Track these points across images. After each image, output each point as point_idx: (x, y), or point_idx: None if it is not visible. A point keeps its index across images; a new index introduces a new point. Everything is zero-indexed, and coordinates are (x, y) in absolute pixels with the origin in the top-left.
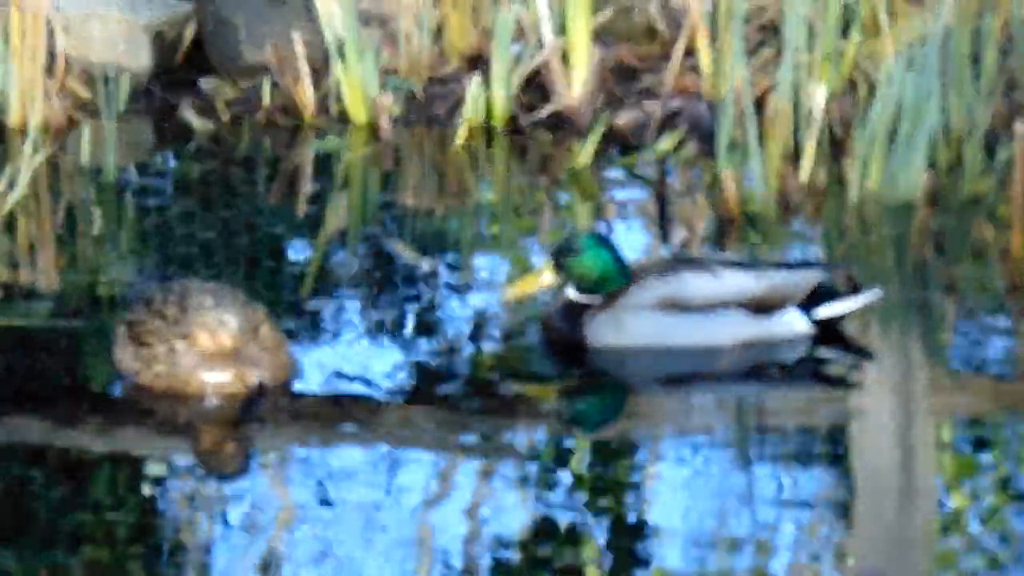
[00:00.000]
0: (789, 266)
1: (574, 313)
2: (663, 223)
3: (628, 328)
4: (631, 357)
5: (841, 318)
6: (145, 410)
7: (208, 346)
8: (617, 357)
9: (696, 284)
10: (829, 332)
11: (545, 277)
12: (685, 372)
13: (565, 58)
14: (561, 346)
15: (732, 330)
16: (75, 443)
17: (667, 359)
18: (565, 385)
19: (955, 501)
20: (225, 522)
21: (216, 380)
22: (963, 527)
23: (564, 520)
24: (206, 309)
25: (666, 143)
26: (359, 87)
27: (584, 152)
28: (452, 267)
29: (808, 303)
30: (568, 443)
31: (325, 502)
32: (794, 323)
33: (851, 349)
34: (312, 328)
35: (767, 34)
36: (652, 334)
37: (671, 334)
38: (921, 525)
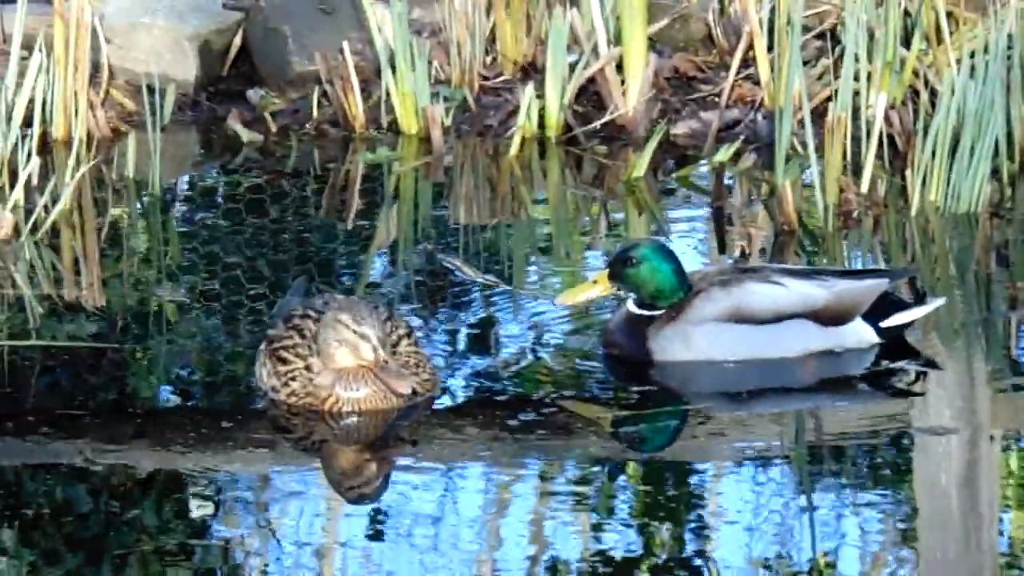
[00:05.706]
0: (853, 274)
1: (637, 327)
2: (720, 235)
3: (695, 342)
4: (697, 372)
5: (906, 327)
6: (281, 427)
7: (344, 363)
8: (683, 372)
9: (762, 295)
10: (895, 342)
11: (597, 288)
12: (752, 386)
13: (620, 67)
14: (624, 361)
15: (801, 342)
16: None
17: (733, 373)
18: (626, 402)
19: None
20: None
21: (353, 397)
22: None
23: (621, 544)
24: (343, 325)
25: (723, 154)
26: (410, 97)
27: (640, 163)
28: (507, 281)
29: (873, 313)
30: (627, 464)
31: (376, 525)
32: (862, 333)
33: (917, 360)
34: None
35: (826, 43)
36: (720, 347)
37: (739, 347)
38: (987, 551)
